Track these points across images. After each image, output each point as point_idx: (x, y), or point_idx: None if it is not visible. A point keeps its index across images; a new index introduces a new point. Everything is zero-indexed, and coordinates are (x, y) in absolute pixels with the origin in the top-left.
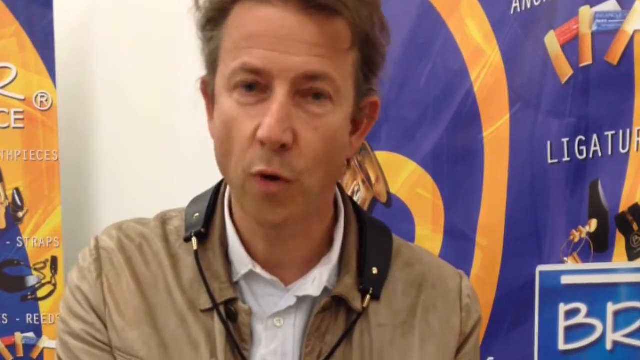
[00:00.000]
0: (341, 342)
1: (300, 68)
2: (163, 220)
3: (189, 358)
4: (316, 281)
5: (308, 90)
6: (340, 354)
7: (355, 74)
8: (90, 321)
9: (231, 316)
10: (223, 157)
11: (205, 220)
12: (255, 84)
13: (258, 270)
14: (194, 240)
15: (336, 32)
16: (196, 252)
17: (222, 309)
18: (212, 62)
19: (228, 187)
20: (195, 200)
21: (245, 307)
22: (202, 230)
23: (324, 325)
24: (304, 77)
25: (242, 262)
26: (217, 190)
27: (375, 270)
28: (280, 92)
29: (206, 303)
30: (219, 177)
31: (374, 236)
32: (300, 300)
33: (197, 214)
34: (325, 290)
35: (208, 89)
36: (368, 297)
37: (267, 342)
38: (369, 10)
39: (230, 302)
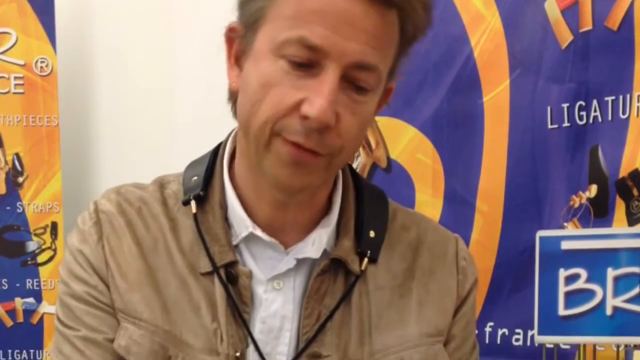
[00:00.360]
0: (340, 305)
1: (356, 56)
2: (161, 184)
3: (190, 321)
4: (316, 244)
5: (354, 78)
6: (339, 317)
7: (392, 65)
8: (93, 283)
9: (231, 279)
10: (249, 114)
11: (204, 183)
12: (307, 62)
13: (258, 232)
14: (193, 203)
15: (392, 25)
16: (195, 215)
17: (222, 272)
18: (256, 18)
19: (227, 150)
20: (193, 164)
21: (245, 270)
22: (201, 193)
23: (322, 288)
24: (356, 65)
25: (242, 224)
26: (215, 153)
27: (372, 234)
28: (332, 74)
29: (206, 266)
30: (216, 141)
31: (370, 200)
32: (300, 263)
33: (195, 178)
34: (324, 253)
35: (237, 39)
36: (366, 260)
37: (267, 305)
38: (426, 10)
39: (230, 265)
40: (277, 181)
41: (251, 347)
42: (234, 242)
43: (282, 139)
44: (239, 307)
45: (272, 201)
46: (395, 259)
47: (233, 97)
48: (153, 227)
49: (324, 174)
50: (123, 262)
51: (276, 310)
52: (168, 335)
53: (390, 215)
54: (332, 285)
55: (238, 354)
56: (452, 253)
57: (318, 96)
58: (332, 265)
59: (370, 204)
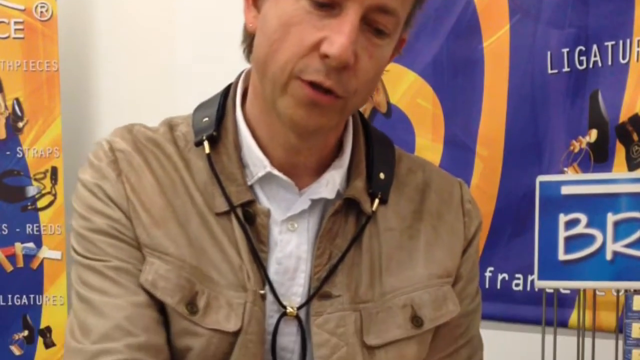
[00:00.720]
0: (351, 247)
1: None
2: (170, 125)
3: (215, 258)
4: (330, 184)
5: (374, 21)
6: (349, 258)
7: (409, 13)
8: (116, 217)
9: (248, 219)
10: (268, 54)
11: (216, 124)
12: (329, 2)
13: (275, 172)
14: (206, 144)
15: None
16: (209, 155)
17: (239, 211)
18: None
19: (238, 91)
20: (202, 106)
21: (264, 209)
22: (214, 133)
23: (334, 228)
24: (377, 7)
25: (258, 164)
26: (225, 95)
27: (382, 176)
28: (353, 15)
29: (222, 206)
30: (217, 85)
31: (378, 143)
32: (313, 204)
33: (206, 119)
34: (337, 194)
35: None
36: (377, 201)
37: (282, 246)
38: None
39: (247, 205)
40: (292, 122)
41: (267, 288)
42: (249, 183)
43: (299, 81)
44: (256, 247)
45: (284, 143)
46: (404, 201)
47: (248, 38)
48: (168, 167)
49: (338, 116)
50: (145, 199)
51: (291, 251)
52: (194, 270)
53: (397, 159)
54: (344, 226)
55: (262, 292)
56: (458, 196)
57: (339, 35)
58: (344, 206)
59: (378, 147)
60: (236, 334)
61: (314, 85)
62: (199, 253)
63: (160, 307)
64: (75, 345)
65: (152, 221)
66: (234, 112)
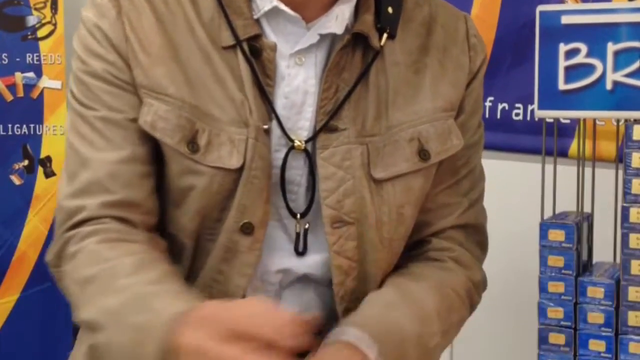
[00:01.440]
0: (358, 81)
1: None
2: None
3: (217, 94)
4: (339, 18)
5: None
6: (356, 93)
7: None
8: (112, 60)
9: (254, 52)
10: None
11: None
12: None
13: (282, 6)
14: None
15: None
16: None
17: (245, 45)
18: None
19: None
20: None
21: (270, 43)
22: None
23: (342, 63)
24: None
25: None
26: None
27: (390, 10)
28: None
29: (228, 40)
30: None
31: None
32: (322, 38)
33: None
34: (345, 29)
35: None
36: (385, 35)
37: (290, 80)
38: None
39: (253, 39)
40: None
41: (274, 122)
42: (255, 17)
43: None
44: (262, 81)
45: None
46: (410, 36)
47: None
48: (171, 1)
49: None
50: (144, 38)
51: (298, 85)
52: (194, 109)
53: None
54: (351, 61)
55: (266, 127)
56: (463, 30)
57: None
58: (352, 41)
59: None
60: (239, 170)
61: None
62: (199, 90)
63: (150, 157)
64: (60, 201)
65: (150, 61)
66: None
